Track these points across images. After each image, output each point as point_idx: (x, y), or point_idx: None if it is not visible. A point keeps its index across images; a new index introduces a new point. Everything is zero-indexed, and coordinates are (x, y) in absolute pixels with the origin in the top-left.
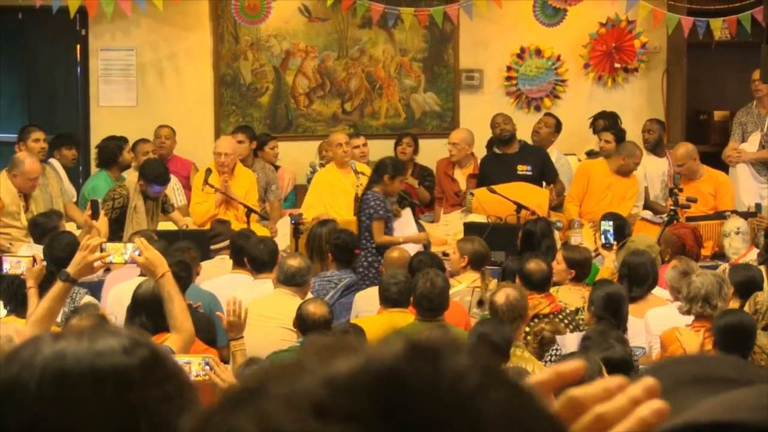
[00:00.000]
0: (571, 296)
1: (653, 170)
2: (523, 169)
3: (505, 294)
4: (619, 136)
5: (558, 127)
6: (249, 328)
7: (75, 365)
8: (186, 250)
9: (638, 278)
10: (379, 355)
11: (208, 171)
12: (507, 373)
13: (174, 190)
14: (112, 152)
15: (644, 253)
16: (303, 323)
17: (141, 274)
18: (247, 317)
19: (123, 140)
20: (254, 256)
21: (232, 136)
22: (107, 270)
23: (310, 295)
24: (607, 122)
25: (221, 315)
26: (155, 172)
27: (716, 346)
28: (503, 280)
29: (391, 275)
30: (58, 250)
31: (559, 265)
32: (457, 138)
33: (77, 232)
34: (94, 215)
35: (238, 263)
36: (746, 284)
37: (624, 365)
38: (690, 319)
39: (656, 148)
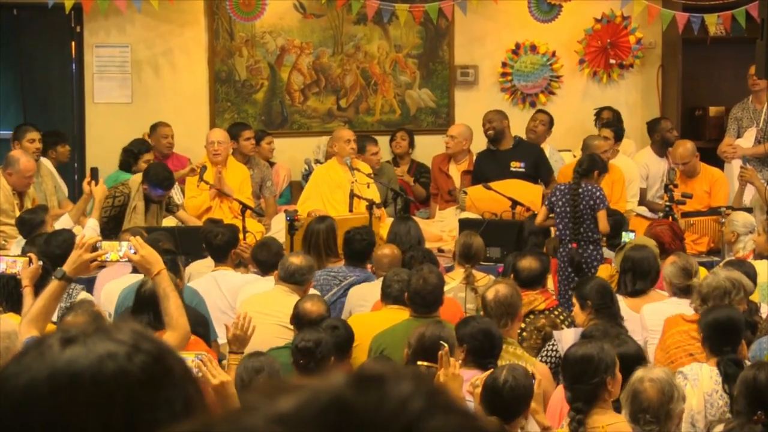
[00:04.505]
0: None
1: (656, 170)
2: (516, 165)
3: (495, 290)
4: (619, 133)
5: (551, 122)
6: None
7: (78, 373)
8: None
9: (641, 272)
10: (325, 387)
11: (203, 168)
12: (452, 398)
13: (175, 188)
14: (126, 159)
15: (645, 248)
16: (299, 321)
17: (133, 271)
18: (252, 334)
19: (144, 148)
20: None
21: (242, 134)
22: (101, 267)
23: (312, 291)
24: (612, 115)
25: (228, 326)
26: (159, 176)
27: (705, 342)
28: (504, 276)
29: (395, 273)
30: (55, 246)
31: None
32: (456, 131)
33: (76, 229)
34: (94, 181)
35: (220, 259)
36: None
37: (637, 359)
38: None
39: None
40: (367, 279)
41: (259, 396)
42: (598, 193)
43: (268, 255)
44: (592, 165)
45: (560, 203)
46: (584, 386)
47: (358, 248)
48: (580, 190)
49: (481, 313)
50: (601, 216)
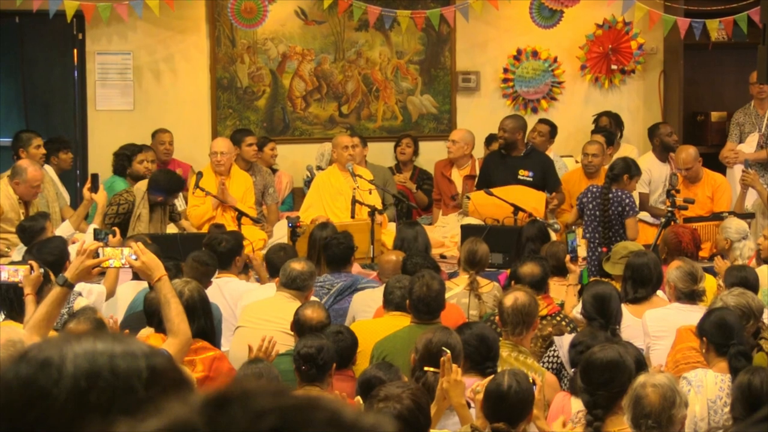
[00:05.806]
0: (557, 290)
1: (658, 175)
2: (524, 174)
3: (514, 297)
4: (610, 138)
5: (553, 132)
6: (248, 331)
7: (108, 364)
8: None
9: (642, 279)
10: (180, 413)
11: (200, 174)
12: (318, 412)
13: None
14: (119, 162)
15: (647, 254)
16: (300, 328)
17: (134, 278)
18: (275, 358)
19: (136, 149)
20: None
21: (244, 140)
22: (102, 274)
23: (313, 299)
24: (611, 120)
25: (251, 347)
26: (162, 186)
27: (710, 346)
28: (509, 282)
29: (397, 279)
30: (47, 253)
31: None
32: (458, 136)
33: (79, 236)
34: (94, 188)
35: (223, 267)
36: (740, 285)
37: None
38: (684, 320)
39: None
40: (354, 282)
41: (133, 417)
42: (627, 200)
43: (285, 258)
44: (623, 170)
45: (590, 206)
46: (608, 392)
47: (336, 252)
48: (610, 195)
49: (496, 318)
50: (630, 223)
